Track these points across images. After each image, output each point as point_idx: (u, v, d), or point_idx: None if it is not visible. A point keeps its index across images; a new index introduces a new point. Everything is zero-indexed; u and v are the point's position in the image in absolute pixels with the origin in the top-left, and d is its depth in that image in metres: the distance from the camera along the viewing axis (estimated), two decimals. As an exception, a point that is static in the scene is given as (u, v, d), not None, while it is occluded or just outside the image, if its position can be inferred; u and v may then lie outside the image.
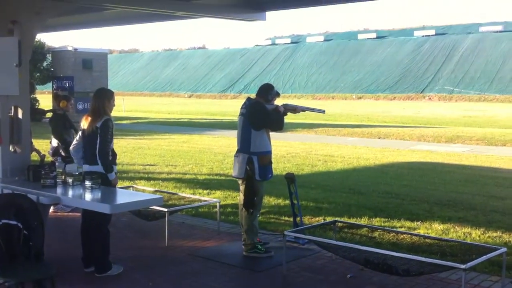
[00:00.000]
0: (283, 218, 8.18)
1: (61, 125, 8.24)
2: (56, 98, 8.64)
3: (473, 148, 17.87)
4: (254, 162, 6.21)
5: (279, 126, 6.33)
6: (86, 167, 5.80)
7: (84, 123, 5.79)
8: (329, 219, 7.83)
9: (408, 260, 5.15)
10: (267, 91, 6.41)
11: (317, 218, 8.14)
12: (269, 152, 6.36)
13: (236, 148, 6.47)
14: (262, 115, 6.23)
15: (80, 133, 5.90)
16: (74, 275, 5.72)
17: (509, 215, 8.47)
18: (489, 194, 10.12)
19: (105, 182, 5.68)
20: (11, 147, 6.45)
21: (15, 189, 5.66)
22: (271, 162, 6.41)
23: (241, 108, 6.41)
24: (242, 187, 6.39)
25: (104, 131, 5.63)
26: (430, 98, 56.77)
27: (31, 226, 4.52)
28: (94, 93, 5.88)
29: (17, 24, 6.36)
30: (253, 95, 6.60)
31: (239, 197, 6.55)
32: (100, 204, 5.38)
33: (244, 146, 6.27)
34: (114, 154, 5.85)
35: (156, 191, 8.75)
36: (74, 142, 5.96)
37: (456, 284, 5.41)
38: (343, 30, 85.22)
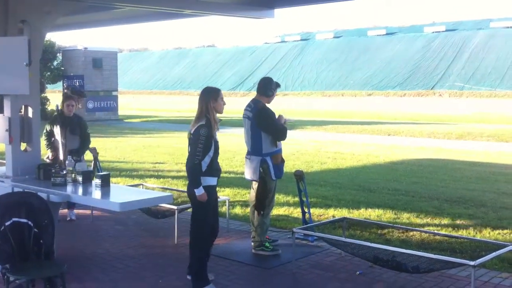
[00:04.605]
0: (292, 215, 8.19)
1: (50, 127, 7.63)
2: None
3: (484, 145, 17.76)
4: (269, 163, 6.21)
5: (283, 137, 6.29)
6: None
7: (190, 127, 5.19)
8: (338, 216, 7.84)
9: (418, 257, 5.14)
10: (266, 87, 6.33)
11: (326, 215, 8.14)
12: (280, 150, 6.37)
13: (245, 148, 6.47)
14: (269, 124, 6.19)
15: None
16: (84, 272, 5.75)
17: (519, 211, 8.43)
18: (500, 191, 10.07)
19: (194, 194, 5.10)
20: (21, 145, 6.50)
21: (25, 187, 5.71)
22: (283, 160, 6.42)
23: (246, 109, 6.34)
24: (254, 187, 6.40)
25: (194, 139, 4.99)
26: (440, 95, 56.49)
27: (42, 225, 4.56)
28: (200, 93, 5.23)
29: (26, 24, 6.40)
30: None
31: (250, 195, 6.55)
32: (110, 202, 5.41)
33: (256, 148, 6.24)
34: (214, 165, 5.13)
35: (165, 189, 8.77)
36: None
37: (465, 280, 5.39)
38: (352, 27, 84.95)
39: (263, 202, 6.29)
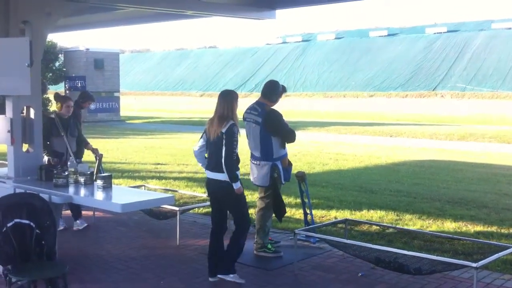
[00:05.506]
0: (294, 216, 8.18)
1: (47, 130, 6.94)
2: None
3: (485, 146, 17.74)
4: (279, 167, 6.17)
5: (293, 139, 6.23)
6: (208, 173, 5.54)
7: (210, 128, 5.43)
8: (340, 217, 7.83)
9: (420, 258, 5.13)
10: (271, 93, 6.21)
11: (328, 217, 8.13)
12: (287, 153, 6.34)
13: (243, 148, 6.41)
14: (278, 127, 6.13)
15: (203, 136, 5.57)
16: (86, 273, 5.75)
17: (522, 213, 8.41)
18: (502, 192, 10.06)
19: (228, 190, 5.37)
20: (23, 146, 6.49)
21: (27, 188, 5.70)
22: (290, 163, 6.38)
23: (252, 113, 6.22)
24: (262, 193, 6.35)
25: (229, 138, 5.28)
26: (442, 96, 56.43)
27: (43, 226, 4.56)
28: (220, 96, 5.46)
29: (28, 24, 6.39)
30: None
31: (258, 201, 6.51)
32: (112, 203, 5.41)
33: (267, 154, 6.14)
34: (238, 159, 5.44)
35: (167, 190, 8.77)
36: (199, 144, 5.61)
37: (468, 282, 5.38)
38: (354, 28, 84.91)
39: (280, 210, 6.26)
